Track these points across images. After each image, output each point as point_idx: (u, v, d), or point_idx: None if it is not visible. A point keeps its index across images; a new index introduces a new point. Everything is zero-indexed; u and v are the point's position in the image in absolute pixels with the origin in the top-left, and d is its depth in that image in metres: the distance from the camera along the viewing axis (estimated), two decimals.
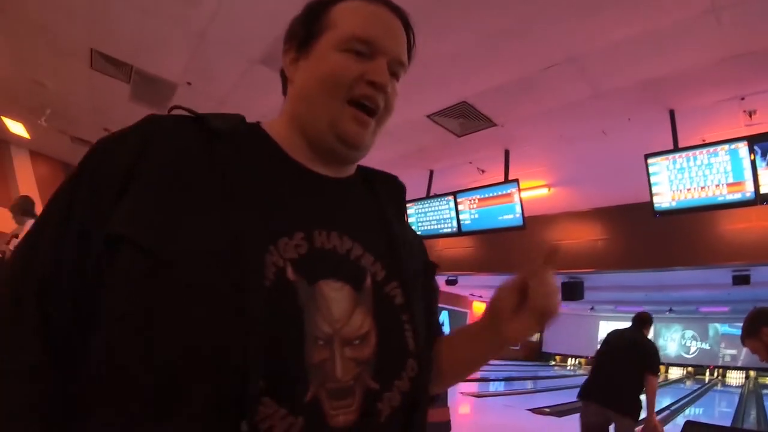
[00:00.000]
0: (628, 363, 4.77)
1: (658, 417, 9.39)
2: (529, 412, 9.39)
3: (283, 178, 0.80)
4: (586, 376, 5.07)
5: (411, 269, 0.85)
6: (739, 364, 20.93)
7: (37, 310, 0.65)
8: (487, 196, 6.23)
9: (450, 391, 5.56)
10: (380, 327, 0.74)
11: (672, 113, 4.76)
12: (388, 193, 0.97)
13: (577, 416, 4.90)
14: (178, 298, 0.61)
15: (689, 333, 22.23)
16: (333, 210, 0.82)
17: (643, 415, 4.74)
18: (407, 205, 7.15)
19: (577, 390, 5.06)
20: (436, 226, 6.94)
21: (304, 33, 0.87)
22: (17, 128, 9.06)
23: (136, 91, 6.10)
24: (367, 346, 0.71)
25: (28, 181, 10.70)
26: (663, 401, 13.16)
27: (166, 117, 0.79)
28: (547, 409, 9.57)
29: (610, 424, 4.67)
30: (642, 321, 5.13)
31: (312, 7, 0.89)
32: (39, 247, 0.70)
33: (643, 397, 4.72)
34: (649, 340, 5.09)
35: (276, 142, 0.85)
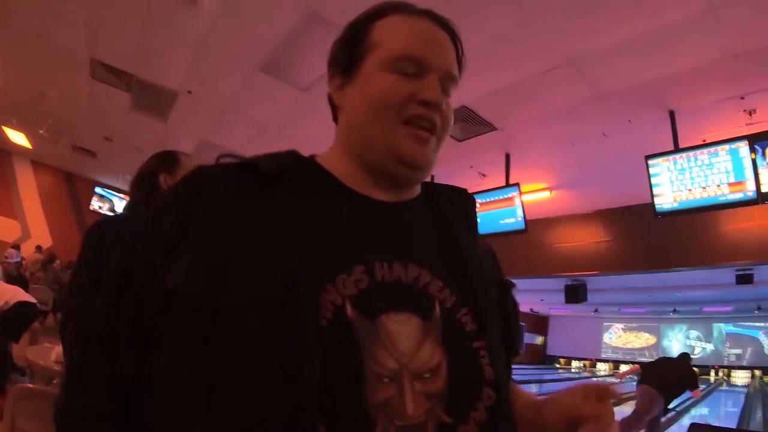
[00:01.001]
0: None
1: (665, 417, 9.48)
2: None
3: (341, 211, 0.76)
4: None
5: (483, 291, 0.80)
6: (744, 363, 20.79)
7: (105, 368, 0.68)
8: (488, 200, 6.24)
9: None
10: (451, 357, 0.69)
11: (672, 114, 4.76)
12: (456, 209, 0.91)
13: None
14: (233, 348, 0.60)
15: (693, 333, 22.12)
16: (396, 237, 0.77)
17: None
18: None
19: None
20: None
21: (346, 57, 0.82)
22: (19, 138, 9.09)
23: (137, 99, 6.12)
24: (438, 379, 0.67)
25: (31, 190, 10.74)
26: None
27: (213, 167, 0.77)
28: None
29: None
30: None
31: (352, 28, 0.84)
32: (98, 307, 0.73)
33: None
34: None
35: (332, 174, 0.81)
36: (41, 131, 7.70)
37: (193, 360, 0.62)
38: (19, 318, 4.99)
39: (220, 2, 4.03)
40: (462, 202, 0.93)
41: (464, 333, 0.74)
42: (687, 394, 5.91)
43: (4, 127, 8.67)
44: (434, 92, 0.77)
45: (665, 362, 5.72)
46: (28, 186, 10.74)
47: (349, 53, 0.81)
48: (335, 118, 0.88)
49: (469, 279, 0.79)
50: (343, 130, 0.84)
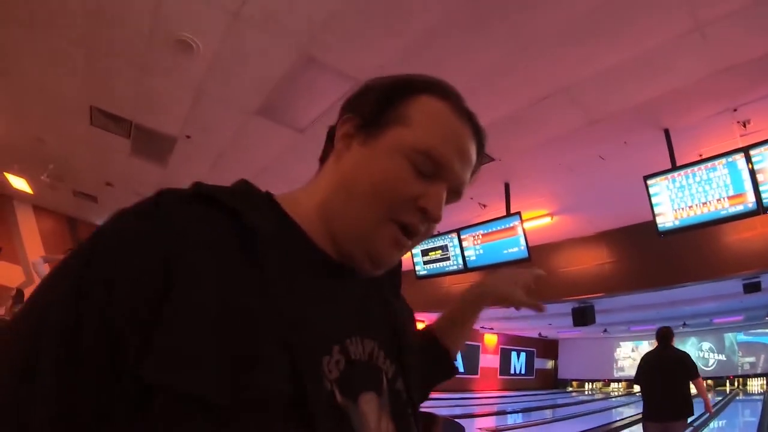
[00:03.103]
0: (676, 377, 5.46)
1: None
2: None
3: (318, 282, 0.70)
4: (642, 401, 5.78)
5: (412, 358, 0.81)
6: (759, 371, 20.59)
7: None
8: (490, 230, 6.26)
9: (468, 427, 5.47)
10: (398, 429, 0.71)
11: (667, 132, 4.78)
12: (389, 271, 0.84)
13: None
14: None
15: (706, 345, 21.92)
16: (354, 308, 0.74)
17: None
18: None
19: (597, 415, 5.46)
20: (441, 264, 6.98)
21: (372, 113, 0.74)
22: (20, 184, 9.14)
23: (136, 145, 6.16)
24: None
25: (32, 236, 10.75)
26: None
27: (188, 209, 0.61)
28: None
29: None
30: (668, 336, 5.77)
31: (392, 86, 0.76)
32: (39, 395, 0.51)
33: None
34: (682, 351, 5.83)
35: (304, 231, 0.72)
36: (42, 177, 7.72)
37: None
38: None
39: (216, 49, 4.08)
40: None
41: (402, 402, 0.75)
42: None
43: (5, 173, 8.71)
44: (438, 206, 0.72)
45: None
46: (30, 231, 10.74)
47: (376, 111, 0.74)
48: (323, 156, 0.82)
49: (402, 348, 0.80)
50: (329, 184, 0.76)
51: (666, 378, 5.51)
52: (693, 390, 5.59)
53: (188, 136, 5.68)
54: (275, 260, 0.62)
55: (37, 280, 8.31)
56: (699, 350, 21.93)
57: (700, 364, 21.07)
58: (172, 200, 0.61)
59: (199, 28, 3.91)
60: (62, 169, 7.61)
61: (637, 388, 7.48)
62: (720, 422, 12.41)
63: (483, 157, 0.82)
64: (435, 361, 1.08)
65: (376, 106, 0.74)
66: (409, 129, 0.71)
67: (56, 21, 4.08)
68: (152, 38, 4.07)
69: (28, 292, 9.06)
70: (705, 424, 11.59)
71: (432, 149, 0.71)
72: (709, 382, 21.79)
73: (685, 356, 5.67)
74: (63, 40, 4.29)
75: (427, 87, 0.76)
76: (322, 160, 0.82)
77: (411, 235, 0.73)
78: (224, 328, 0.54)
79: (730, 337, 21.20)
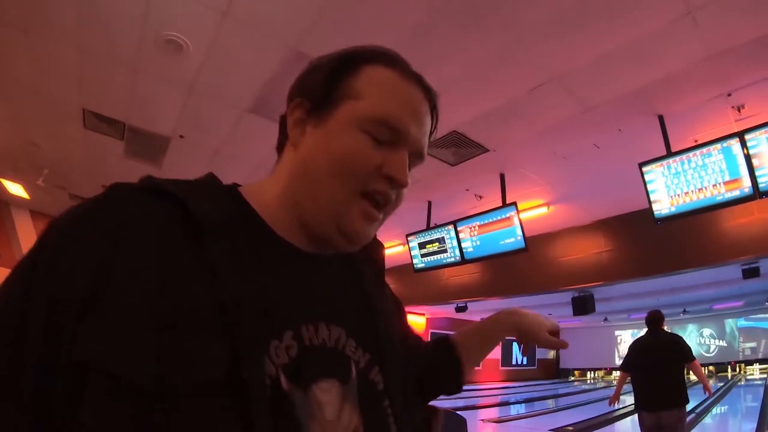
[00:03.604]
0: (670, 362, 5.27)
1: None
2: None
3: (273, 267, 0.69)
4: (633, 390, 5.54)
5: (391, 349, 0.79)
6: (760, 356, 20.67)
7: None
8: (486, 222, 6.24)
9: (470, 419, 5.48)
10: (366, 420, 0.68)
11: (661, 118, 4.76)
12: (367, 256, 0.88)
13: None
14: None
15: (707, 331, 21.97)
16: (319, 295, 0.73)
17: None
18: (409, 238, 7.26)
19: (599, 404, 5.43)
20: (439, 257, 6.97)
21: (321, 93, 0.74)
22: (16, 189, 9.12)
23: (130, 147, 6.14)
24: None
25: (30, 241, 10.44)
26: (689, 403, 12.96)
27: (135, 200, 0.63)
28: (570, 428, 9.40)
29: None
30: (658, 321, 5.58)
31: (335, 62, 0.76)
32: None
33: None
34: (673, 334, 5.64)
35: (262, 219, 0.73)
36: (38, 182, 7.71)
37: None
38: None
39: (206, 47, 4.07)
40: (372, 248, 0.89)
41: (376, 393, 0.73)
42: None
43: (1, 179, 8.70)
44: (403, 171, 0.73)
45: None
46: (27, 236, 10.72)
47: (324, 90, 0.74)
48: (279, 147, 0.82)
49: (379, 336, 0.77)
50: (289, 171, 0.76)
51: (657, 363, 5.31)
52: (693, 378, 5.55)
53: (182, 136, 5.66)
54: (220, 247, 0.62)
55: None
56: (700, 336, 22.00)
57: (701, 351, 21.22)
58: (117, 195, 0.63)
59: (188, 27, 3.89)
60: (58, 174, 7.60)
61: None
62: (722, 408, 12.46)
63: (437, 118, 0.82)
64: (443, 368, 1.06)
65: (323, 85, 0.74)
66: (359, 101, 0.72)
67: (47, 25, 4.07)
68: (142, 39, 4.06)
69: None
70: (707, 410, 11.63)
71: (387, 117, 0.72)
72: (711, 368, 21.88)
73: (678, 338, 5.48)
74: (54, 43, 4.28)
75: (372, 57, 0.76)
76: (279, 149, 0.82)
77: (382, 205, 0.75)
78: (156, 313, 0.54)
79: (730, 323, 21.28)
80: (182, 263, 0.59)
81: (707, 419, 10.47)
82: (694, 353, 5.46)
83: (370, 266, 0.88)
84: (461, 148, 5.46)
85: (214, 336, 0.56)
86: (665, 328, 5.61)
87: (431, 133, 0.82)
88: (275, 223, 0.73)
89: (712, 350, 21.86)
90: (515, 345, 24.36)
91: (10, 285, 0.58)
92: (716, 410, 11.98)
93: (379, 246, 0.94)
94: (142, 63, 4.39)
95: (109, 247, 0.56)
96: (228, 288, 0.59)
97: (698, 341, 22.01)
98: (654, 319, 5.61)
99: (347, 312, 0.75)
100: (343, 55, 0.77)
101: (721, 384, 17.97)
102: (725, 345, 21.51)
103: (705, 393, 5.55)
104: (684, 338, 5.46)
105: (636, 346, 5.66)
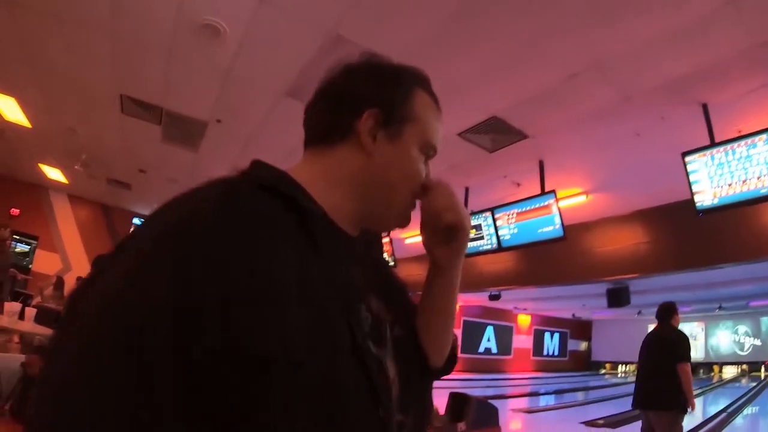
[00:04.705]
0: (659, 360, 4.93)
1: (714, 421, 9.08)
2: (583, 425, 9.12)
3: (344, 252, 0.80)
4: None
5: (403, 305, 0.95)
6: None
7: None
8: (525, 209, 6.18)
9: (501, 408, 5.44)
10: (401, 368, 0.82)
11: (705, 107, 4.62)
12: (373, 238, 1.02)
13: (630, 426, 4.92)
14: (320, 402, 0.60)
15: (742, 329, 21.47)
16: (362, 272, 0.84)
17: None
18: None
19: (630, 398, 5.19)
20: (475, 244, 6.92)
21: (389, 109, 0.84)
22: (55, 174, 9.37)
23: (167, 131, 6.23)
24: (395, 387, 0.79)
25: (69, 224, 11.03)
26: (719, 403, 12.74)
27: (260, 202, 0.68)
28: (601, 421, 9.27)
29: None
30: (664, 313, 5.23)
31: (395, 80, 0.87)
32: None
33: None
34: (676, 331, 5.15)
35: (322, 209, 0.78)
36: (76, 167, 7.88)
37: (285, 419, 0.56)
38: None
39: (243, 32, 4.07)
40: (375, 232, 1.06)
41: (405, 346, 0.87)
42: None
43: (40, 165, 8.92)
44: (428, 178, 0.91)
45: None
46: (66, 220, 11.02)
47: (392, 106, 0.84)
48: (328, 138, 0.85)
49: (390, 294, 0.90)
50: (364, 176, 0.84)
51: (650, 360, 5.06)
52: (726, 375, 5.24)
53: (219, 121, 5.71)
54: (324, 238, 0.73)
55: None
56: (735, 334, 21.52)
57: (735, 349, 20.77)
58: (244, 192, 0.68)
59: (226, 11, 3.90)
60: (95, 159, 7.77)
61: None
62: (753, 408, 12.23)
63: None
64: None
65: (395, 104, 0.85)
66: (418, 125, 0.86)
67: (82, 13, 4.13)
68: (178, 24, 4.09)
69: (67, 279, 9.36)
70: (739, 410, 11.41)
71: (435, 143, 0.90)
72: (744, 367, 21.41)
73: (677, 336, 5.01)
74: (90, 30, 4.34)
75: (419, 81, 0.90)
76: (321, 140, 0.86)
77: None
78: (300, 298, 0.61)
79: (766, 322, 20.73)
80: (303, 254, 0.67)
81: (738, 420, 10.26)
82: (729, 350, 5.19)
83: (376, 241, 1.05)
84: (500, 134, 5.38)
85: (336, 313, 0.68)
86: (680, 324, 5.27)
87: None
88: (332, 209, 0.81)
89: (746, 348, 21.36)
90: (547, 335, 24.39)
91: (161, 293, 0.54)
92: (748, 410, 11.76)
93: None
94: (179, 48, 4.43)
95: (253, 251, 0.60)
96: (334, 272, 0.71)
97: (733, 339, 21.55)
98: (661, 311, 5.28)
99: (375, 281, 0.88)
100: (401, 73, 0.89)
101: (754, 384, 17.59)
102: (759, 344, 20.98)
103: (689, 409, 4.79)
104: (686, 337, 5.03)
105: (644, 340, 5.34)
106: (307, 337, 0.60)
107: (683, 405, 4.72)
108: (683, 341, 4.93)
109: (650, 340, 5.23)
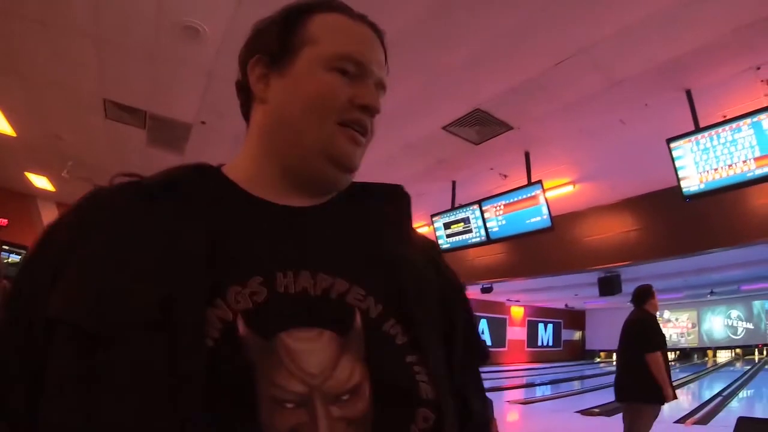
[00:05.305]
0: (627, 348, 4.73)
1: (710, 405, 9.10)
2: (579, 414, 9.18)
3: (238, 219, 0.71)
4: None
5: (417, 298, 0.72)
6: None
7: None
8: (512, 201, 6.19)
9: (496, 400, 5.45)
10: (376, 375, 0.62)
11: (689, 93, 4.63)
12: (387, 208, 0.85)
13: None
14: (112, 379, 0.54)
15: (734, 313, 21.63)
16: (306, 244, 0.71)
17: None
18: (434, 218, 7.24)
19: None
20: (464, 237, 6.93)
21: (278, 46, 0.78)
22: (41, 182, 9.27)
23: (153, 135, 6.18)
24: (359, 401, 0.59)
25: None
26: (714, 387, 12.84)
27: (105, 189, 0.72)
28: (597, 410, 9.32)
29: None
30: (638, 297, 4.98)
31: (284, 17, 0.80)
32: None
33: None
34: (644, 316, 4.83)
35: (233, 181, 0.77)
36: (63, 174, 7.81)
37: (74, 392, 0.54)
38: None
39: (223, 32, 4.05)
40: (393, 200, 0.88)
41: (394, 346, 0.66)
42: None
43: (26, 173, 8.84)
44: (374, 98, 0.78)
45: None
46: None
47: (281, 42, 0.78)
48: (245, 112, 0.84)
49: (399, 285, 0.72)
50: (265, 126, 0.79)
51: (620, 349, 4.83)
52: (740, 363, 5.05)
53: (203, 122, 5.68)
54: (179, 205, 0.68)
55: None
56: (727, 318, 21.67)
57: (728, 333, 20.94)
58: (93, 192, 0.73)
59: (205, 12, 3.88)
60: (81, 165, 7.68)
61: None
62: (748, 391, 12.34)
63: (386, 53, 0.86)
64: None
65: (279, 38, 0.78)
66: (318, 45, 0.76)
67: (65, 17, 4.08)
68: (159, 27, 4.06)
69: None
70: (734, 393, 11.50)
71: (348, 52, 0.77)
72: (738, 351, 21.56)
73: (642, 320, 4.74)
74: (72, 35, 4.30)
75: (317, 6, 0.81)
76: (246, 115, 0.85)
77: (362, 132, 0.78)
78: (106, 266, 0.60)
79: (757, 305, 20.88)
80: (131, 228, 0.64)
81: (734, 403, 10.36)
82: (723, 335, 5.06)
83: (394, 217, 0.85)
84: (485, 126, 5.38)
85: (154, 281, 0.58)
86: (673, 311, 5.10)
87: (386, 68, 0.85)
88: (252, 184, 0.77)
89: (739, 332, 21.51)
90: (541, 326, 24.47)
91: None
92: (743, 393, 11.86)
93: (403, 197, 0.89)
94: (161, 50, 4.39)
95: (77, 229, 0.66)
96: (175, 235, 0.63)
97: (726, 323, 21.70)
98: (634, 295, 5.03)
99: (350, 259, 0.73)
100: (288, 9, 0.81)
101: (749, 367, 17.74)
102: (752, 327, 21.14)
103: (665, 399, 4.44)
104: (651, 324, 4.73)
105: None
106: (96, 304, 0.57)
107: (656, 396, 4.42)
108: (647, 329, 4.65)
109: (623, 327, 4.96)
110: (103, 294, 0.57)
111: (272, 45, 0.78)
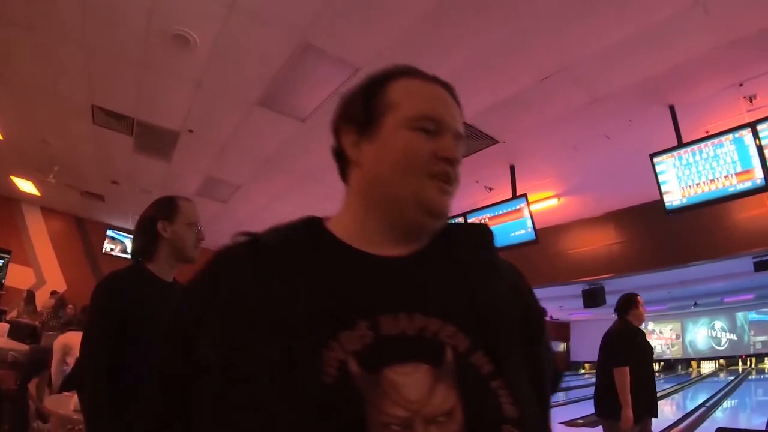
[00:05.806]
0: (602, 361, 4.56)
1: (694, 415, 9.11)
2: (563, 425, 9.20)
3: (344, 271, 0.80)
4: None
5: (499, 330, 0.80)
6: None
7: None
8: (497, 213, 6.21)
9: None
10: (467, 399, 0.69)
11: (672, 109, 4.70)
12: (474, 246, 0.92)
13: None
14: (243, 415, 0.67)
15: (717, 324, 21.78)
16: (402, 290, 0.79)
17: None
18: None
19: None
20: None
21: (364, 115, 0.87)
22: (27, 186, 9.20)
23: (140, 142, 6.17)
24: (453, 422, 0.67)
25: (42, 237, 10.81)
26: (698, 398, 12.92)
27: (227, 250, 0.84)
28: (581, 421, 9.35)
29: None
30: (621, 307, 4.74)
31: (366, 87, 0.90)
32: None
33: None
34: (622, 327, 4.61)
35: (335, 235, 0.86)
36: (49, 179, 7.77)
37: (212, 423, 0.71)
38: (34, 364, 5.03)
39: (213, 41, 4.08)
40: (478, 237, 0.95)
41: (479, 375, 0.74)
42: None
43: (12, 177, 8.77)
44: (454, 150, 0.86)
45: None
46: (39, 233, 10.80)
47: (366, 111, 0.87)
48: (344, 175, 0.93)
49: (484, 319, 0.79)
50: (362, 186, 0.88)
51: (598, 361, 4.63)
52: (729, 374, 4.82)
53: (191, 130, 5.68)
54: (291, 262, 0.79)
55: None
56: (711, 329, 21.82)
57: (712, 344, 20.92)
58: (221, 250, 0.85)
59: (195, 21, 3.91)
60: (68, 170, 7.65)
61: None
62: (732, 401, 12.40)
63: (460, 105, 0.93)
64: None
65: (363, 107, 0.88)
66: (399, 109, 0.85)
67: (53, 23, 4.10)
68: (149, 34, 4.09)
69: (39, 294, 9.20)
70: (718, 404, 11.57)
71: (423, 110, 0.85)
72: (722, 362, 21.71)
73: (619, 333, 4.54)
74: (61, 41, 4.31)
75: (394, 74, 0.90)
76: (345, 178, 0.93)
77: (448, 181, 0.86)
78: (235, 326, 0.73)
79: (740, 317, 21.06)
80: (257, 285, 0.76)
81: (718, 413, 10.42)
82: (706, 346, 4.95)
83: (481, 254, 0.92)
84: (470, 139, 5.41)
85: (276, 333, 0.70)
86: (648, 324, 4.81)
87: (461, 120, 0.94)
88: (355, 238, 0.84)
89: (723, 343, 21.67)
90: None
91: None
92: (727, 404, 11.92)
93: (487, 234, 0.97)
94: (150, 58, 4.41)
95: (206, 296, 0.80)
96: (290, 291, 0.74)
97: (710, 334, 21.85)
98: (617, 305, 4.80)
99: (440, 300, 0.80)
100: (369, 81, 0.91)
101: (732, 378, 17.86)
102: (736, 338, 21.31)
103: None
104: (625, 335, 4.51)
105: None
106: (240, 354, 0.70)
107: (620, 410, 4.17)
108: (620, 342, 4.44)
109: (601, 340, 4.73)
110: (240, 349, 0.70)
111: (359, 114, 0.88)
